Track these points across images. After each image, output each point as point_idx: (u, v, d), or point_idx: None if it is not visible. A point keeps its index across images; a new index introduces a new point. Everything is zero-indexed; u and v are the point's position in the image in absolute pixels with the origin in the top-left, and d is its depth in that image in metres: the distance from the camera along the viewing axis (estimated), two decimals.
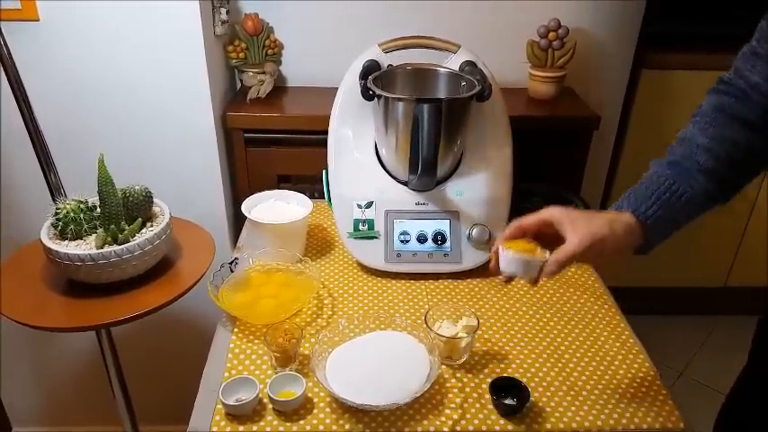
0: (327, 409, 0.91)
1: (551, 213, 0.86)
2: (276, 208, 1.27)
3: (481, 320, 1.09)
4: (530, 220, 0.88)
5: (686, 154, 0.88)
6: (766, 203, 2.13)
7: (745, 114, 0.86)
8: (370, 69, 1.21)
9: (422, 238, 1.21)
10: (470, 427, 0.89)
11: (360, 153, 1.25)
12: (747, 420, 1.11)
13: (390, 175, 1.23)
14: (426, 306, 1.14)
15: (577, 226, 0.83)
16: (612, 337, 1.08)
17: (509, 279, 0.91)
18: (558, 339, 1.07)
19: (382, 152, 1.24)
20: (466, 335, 0.99)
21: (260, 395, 0.92)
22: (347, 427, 0.89)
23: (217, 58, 1.49)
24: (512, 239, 0.88)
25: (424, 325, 1.00)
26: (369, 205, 1.21)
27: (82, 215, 1.08)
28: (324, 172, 1.28)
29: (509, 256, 0.86)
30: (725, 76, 0.89)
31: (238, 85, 1.67)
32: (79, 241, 1.08)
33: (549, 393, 0.95)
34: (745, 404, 1.12)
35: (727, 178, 0.87)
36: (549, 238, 0.87)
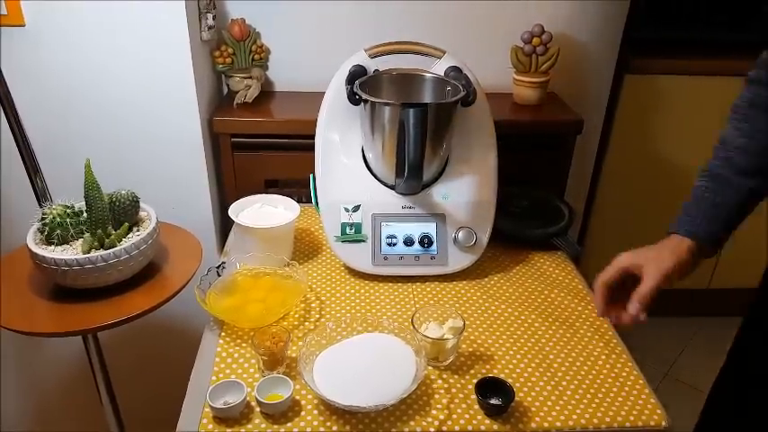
0: (315, 412, 0.92)
1: (626, 261, 0.93)
2: (263, 212, 1.28)
3: (467, 322, 1.10)
4: (610, 273, 0.94)
5: (725, 158, 0.92)
6: None
7: None
8: (357, 74, 1.22)
9: (408, 242, 1.22)
10: (456, 427, 0.90)
11: (347, 157, 1.26)
12: (724, 421, 1.14)
13: (377, 178, 1.24)
14: (413, 308, 1.15)
15: (650, 268, 0.90)
16: (596, 337, 1.09)
17: None
18: (543, 340, 1.08)
19: (369, 156, 1.25)
20: (452, 336, 1.00)
21: (247, 398, 0.92)
22: (334, 428, 0.89)
23: (203, 63, 1.49)
24: (604, 298, 0.94)
25: (411, 327, 1.01)
26: (356, 209, 1.22)
27: (68, 220, 1.08)
28: (311, 176, 1.29)
29: None
30: (764, 55, 0.91)
31: (225, 90, 1.67)
32: (66, 246, 1.08)
33: (533, 393, 0.96)
34: (722, 404, 1.14)
35: None
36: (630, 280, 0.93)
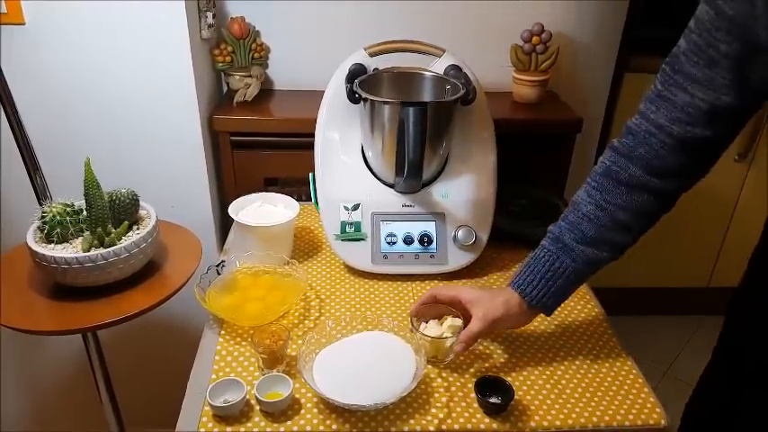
0: (315, 410, 0.92)
1: (463, 294, 1.01)
2: (263, 211, 1.28)
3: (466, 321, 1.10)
4: (444, 294, 1.03)
5: (572, 223, 0.95)
6: (748, 204, 2.16)
7: (634, 176, 0.90)
8: (357, 73, 1.22)
9: (408, 240, 1.22)
10: (456, 426, 0.90)
11: (346, 156, 1.26)
12: (711, 415, 1.14)
13: (377, 177, 1.24)
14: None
15: (480, 308, 0.97)
16: (595, 336, 1.10)
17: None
18: (542, 339, 1.08)
19: (369, 155, 1.25)
20: (451, 335, 1.00)
21: (247, 396, 0.92)
22: (334, 427, 0.89)
23: (203, 61, 1.49)
24: (425, 306, 1.04)
25: (410, 325, 1.01)
26: (355, 207, 1.22)
27: (68, 218, 1.08)
28: (311, 175, 1.29)
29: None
30: (630, 123, 0.92)
31: (224, 89, 1.67)
32: (66, 244, 1.08)
33: (533, 392, 0.97)
34: (710, 399, 1.14)
35: (615, 241, 0.93)
36: (458, 308, 1.02)
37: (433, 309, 1.05)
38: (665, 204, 0.93)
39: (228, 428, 0.89)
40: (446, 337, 0.99)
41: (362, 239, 1.22)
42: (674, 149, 0.87)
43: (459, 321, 1.01)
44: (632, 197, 0.91)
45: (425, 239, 1.22)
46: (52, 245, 1.08)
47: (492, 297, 0.99)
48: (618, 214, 0.91)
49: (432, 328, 1.01)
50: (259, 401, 0.91)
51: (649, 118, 0.88)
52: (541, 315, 1.12)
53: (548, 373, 1.01)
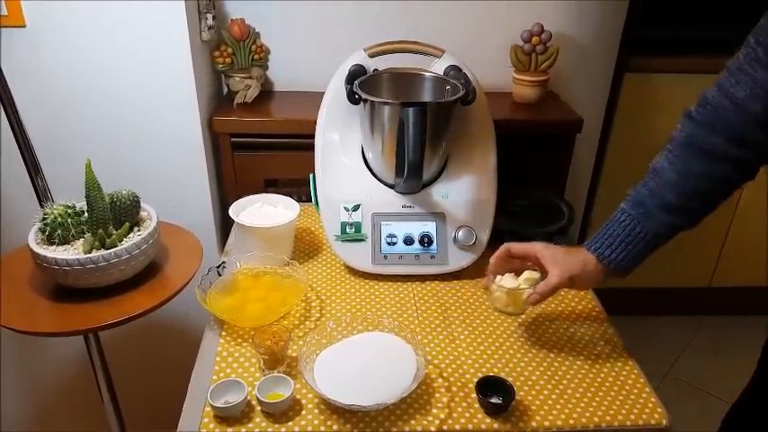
0: (315, 411, 0.92)
1: (538, 249, 1.01)
2: (263, 212, 1.28)
3: (467, 321, 1.11)
4: (518, 248, 1.03)
5: (654, 189, 0.94)
6: (749, 204, 2.16)
7: (715, 146, 0.88)
8: (356, 74, 1.22)
9: (408, 241, 1.22)
10: (457, 426, 0.90)
11: (346, 157, 1.26)
12: (758, 423, 1.13)
13: (377, 178, 1.25)
14: (413, 307, 1.15)
15: (557, 264, 0.98)
16: (597, 336, 1.10)
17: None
18: (543, 339, 1.08)
19: (369, 156, 1.25)
20: (528, 287, 1.01)
21: (248, 397, 0.92)
22: (335, 427, 0.89)
23: (203, 63, 1.49)
24: (500, 260, 1.04)
25: (486, 279, 1.06)
26: (356, 208, 1.22)
27: (69, 220, 1.08)
28: (311, 175, 1.29)
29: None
30: (708, 93, 0.90)
31: (225, 90, 1.68)
32: (67, 246, 1.09)
33: (534, 392, 0.97)
34: (755, 406, 1.12)
35: (695, 209, 0.93)
36: (533, 263, 1.03)
37: (507, 263, 1.06)
38: (747, 174, 0.91)
39: (229, 429, 0.89)
40: (523, 289, 1.00)
41: (363, 240, 1.22)
42: (752, 126, 0.85)
43: (536, 274, 1.02)
44: (713, 166, 0.89)
45: (426, 240, 1.22)
46: (53, 246, 1.08)
47: (569, 254, 0.99)
48: (700, 183, 0.90)
49: (508, 280, 1.02)
50: (260, 402, 0.91)
51: (728, 92, 0.86)
52: (541, 316, 1.12)
53: (549, 373, 1.01)
